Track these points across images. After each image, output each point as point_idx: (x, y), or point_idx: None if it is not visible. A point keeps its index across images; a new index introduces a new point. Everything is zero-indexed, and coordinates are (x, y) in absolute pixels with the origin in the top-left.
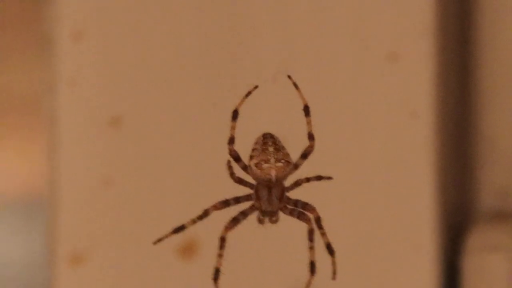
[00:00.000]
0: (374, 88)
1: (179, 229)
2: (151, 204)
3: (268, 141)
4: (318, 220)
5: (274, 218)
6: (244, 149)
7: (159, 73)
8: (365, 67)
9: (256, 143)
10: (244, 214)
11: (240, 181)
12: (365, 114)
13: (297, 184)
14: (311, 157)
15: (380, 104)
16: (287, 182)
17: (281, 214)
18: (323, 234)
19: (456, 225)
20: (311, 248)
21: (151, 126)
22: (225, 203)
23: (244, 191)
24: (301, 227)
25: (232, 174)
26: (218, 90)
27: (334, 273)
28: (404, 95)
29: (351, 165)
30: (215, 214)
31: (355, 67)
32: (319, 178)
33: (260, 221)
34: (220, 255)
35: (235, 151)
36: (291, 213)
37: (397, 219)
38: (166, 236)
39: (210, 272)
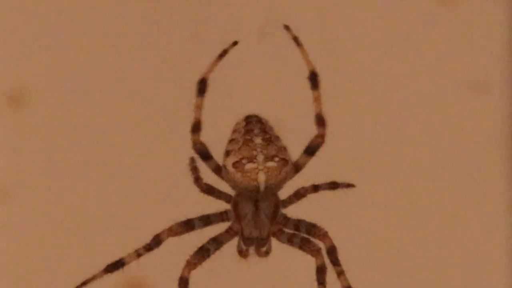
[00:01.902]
0: None
1: (116, 265)
2: (63, 220)
3: (253, 127)
4: (332, 251)
5: (263, 249)
6: (216, 140)
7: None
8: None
9: (235, 130)
10: (216, 242)
11: (209, 190)
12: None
13: (298, 195)
14: (322, 154)
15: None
16: (284, 192)
17: (275, 242)
18: (340, 273)
19: None
20: None
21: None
22: (186, 226)
23: (216, 205)
24: (305, 263)
25: (197, 180)
26: (168, 51)
27: None
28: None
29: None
30: (170, 243)
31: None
32: (333, 185)
33: (242, 253)
34: None
35: (201, 143)
36: (290, 240)
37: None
38: (94, 278)
39: None
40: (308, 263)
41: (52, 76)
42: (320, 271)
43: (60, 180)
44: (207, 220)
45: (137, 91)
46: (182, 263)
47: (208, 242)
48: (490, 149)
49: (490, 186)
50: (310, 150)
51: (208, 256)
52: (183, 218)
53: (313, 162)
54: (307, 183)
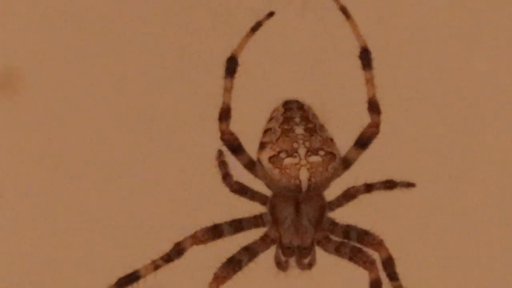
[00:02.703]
0: None
1: (129, 279)
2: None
3: (293, 115)
4: (388, 263)
5: (306, 260)
6: (249, 130)
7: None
8: None
9: (272, 118)
10: (249, 252)
11: (240, 189)
12: None
13: (348, 196)
14: (377, 147)
15: None
16: (330, 193)
17: (320, 252)
18: None
19: None
20: None
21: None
22: (214, 232)
23: (249, 208)
24: (357, 277)
25: (226, 177)
26: (186, 22)
27: None
28: None
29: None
30: (194, 252)
31: None
32: (389, 185)
33: (281, 265)
34: None
35: (231, 133)
36: (338, 250)
37: None
38: None
39: None
40: (360, 277)
41: (45, 61)
42: (375, 287)
43: (58, 176)
44: (238, 225)
45: (144, 71)
46: (209, 277)
47: (239, 252)
48: None
49: None
50: (362, 142)
51: (240, 268)
52: (209, 223)
53: (366, 157)
54: (359, 181)
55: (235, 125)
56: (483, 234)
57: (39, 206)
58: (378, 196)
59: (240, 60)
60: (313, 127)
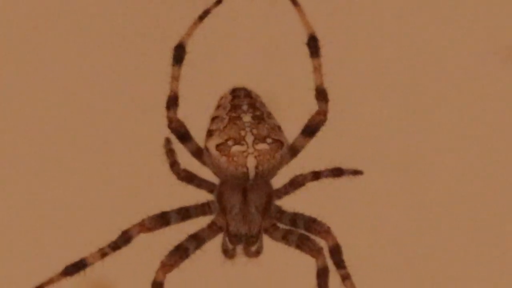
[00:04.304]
0: None
1: (76, 267)
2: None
3: (241, 102)
4: (336, 251)
5: (253, 248)
6: (196, 117)
7: None
8: None
9: (220, 106)
10: (196, 240)
11: (188, 177)
12: None
13: (296, 183)
14: (324, 134)
15: None
16: (278, 181)
17: (267, 240)
18: (346, 277)
19: None
20: None
21: None
22: (161, 220)
23: (196, 196)
24: (304, 265)
25: (173, 165)
26: (136, 10)
27: None
28: None
29: None
30: (141, 240)
31: None
32: (337, 172)
33: (228, 253)
34: None
35: (179, 121)
36: (285, 237)
37: None
38: (51, 282)
39: None
40: (307, 265)
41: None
42: (322, 275)
43: (14, 168)
44: (185, 213)
45: (98, 59)
46: (156, 265)
47: (186, 240)
48: None
49: None
50: (310, 130)
51: (187, 256)
52: (156, 211)
53: (313, 144)
54: (306, 169)
55: (182, 113)
56: (429, 221)
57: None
58: (325, 183)
59: (188, 47)
60: (261, 114)
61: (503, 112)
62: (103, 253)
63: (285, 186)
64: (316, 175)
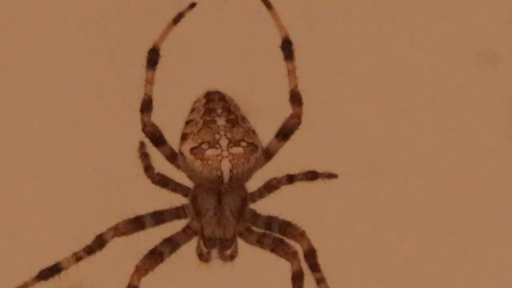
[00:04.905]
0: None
1: (51, 271)
2: None
3: (215, 106)
4: (310, 254)
5: (228, 252)
6: (170, 121)
7: None
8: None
9: (194, 110)
10: (171, 244)
11: (162, 181)
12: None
13: (270, 187)
14: (298, 138)
15: None
16: (252, 184)
17: (242, 244)
18: (320, 280)
19: None
20: None
21: None
22: (135, 224)
23: (171, 200)
24: (279, 268)
25: (147, 169)
26: (109, 15)
27: None
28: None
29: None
30: (116, 244)
31: None
32: (311, 176)
33: (202, 257)
34: None
35: (153, 125)
36: (260, 241)
37: None
38: (25, 286)
39: None
40: (282, 268)
41: None
42: (297, 278)
43: None
44: (160, 217)
45: (70, 62)
46: (131, 269)
47: (161, 244)
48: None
49: (498, 164)
50: (284, 133)
51: (161, 260)
52: (131, 215)
53: (288, 148)
54: (281, 173)
55: (157, 117)
56: (404, 223)
57: None
58: (300, 187)
59: (162, 51)
60: (235, 118)
61: (484, 114)
62: (78, 257)
63: (259, 190)
64: (290, 179)
